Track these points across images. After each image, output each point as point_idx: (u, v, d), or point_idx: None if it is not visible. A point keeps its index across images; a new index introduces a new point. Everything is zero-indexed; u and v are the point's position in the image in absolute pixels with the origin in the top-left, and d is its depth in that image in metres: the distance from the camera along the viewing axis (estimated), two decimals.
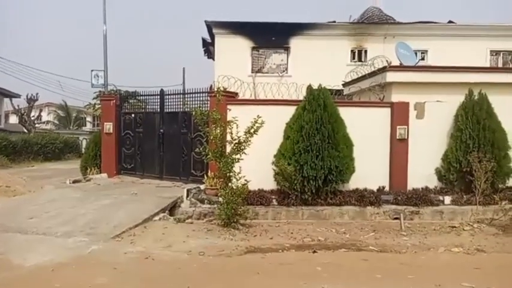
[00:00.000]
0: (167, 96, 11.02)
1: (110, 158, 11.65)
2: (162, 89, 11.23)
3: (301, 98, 8.56)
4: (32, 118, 31.20)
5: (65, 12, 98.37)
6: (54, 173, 15.37)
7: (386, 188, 8.83)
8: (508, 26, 17.69)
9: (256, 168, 7.85)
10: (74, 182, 10.76)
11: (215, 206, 7.65)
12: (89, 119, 45.86)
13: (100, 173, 11.59)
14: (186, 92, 11.27)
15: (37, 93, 29.73)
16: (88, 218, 7.15)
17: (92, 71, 19.25)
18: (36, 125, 32.09)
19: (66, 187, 10.28)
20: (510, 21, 17.93)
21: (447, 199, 8.40)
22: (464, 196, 8.39)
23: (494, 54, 18.38)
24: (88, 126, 44.28)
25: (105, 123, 11.74)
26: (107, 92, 16.86)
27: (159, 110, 11.13)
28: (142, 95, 12.06)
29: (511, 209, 7.53)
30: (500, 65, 18.09)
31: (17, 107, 31.00)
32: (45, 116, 40.35)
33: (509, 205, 7.83)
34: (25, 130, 30.02)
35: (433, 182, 8.95)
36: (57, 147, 24.93)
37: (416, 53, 12.31)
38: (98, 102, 25.43)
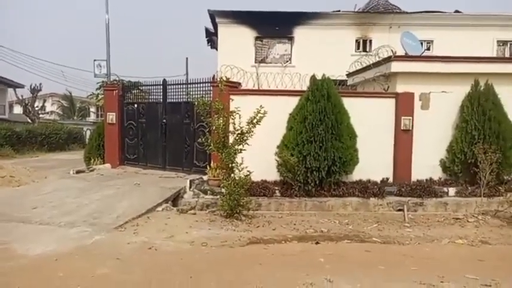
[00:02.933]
0: (170, 86, 10.96)
1: (113, 149, 11.66)
2: (164, 79, 11.18)
3: (304, 88, 8.47)
4: (36, 108, 31.31)
5: (68, 2, 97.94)
6: (58, 164, 15.43)
7: (390, 180, 8.78)
8: None
9: (259, 159, 7.80)
10: (78, 172, 10.78)
11: (218, 196, 7.65)
12: (92, 109, 46.01)
13: (103, 163, 11.62)
14: (188, 82, 11.20)
15: (40, 84, 29.89)
16: (91, 208, 7.18)
17: (94, 60, 19.20)
18: (40, 115, 32.21)
19: (70, 177, 10.31)
20: None
21: (451, 191, 8.35)
22: (469, 188, 8.33)
23: (501, 44, 18.17)
24: (92, 117, 44.43)
25: (108, 114, 11.73)
26: (110, 82, 16.82)
27: (161, 100, 11.09)
28: (145, 85, 12.00)
29: None
30: (507, 55, 17.89)
31: (20, 97, 31.10)
32: (49, 107, 40.45)
33: None
34: (29, 120, 30.16)
35: (437, 174, 8.89)
36: (61, 137, 25.00)
37: (422, 43, 12.12)
38: (101, 92, 25.51)
